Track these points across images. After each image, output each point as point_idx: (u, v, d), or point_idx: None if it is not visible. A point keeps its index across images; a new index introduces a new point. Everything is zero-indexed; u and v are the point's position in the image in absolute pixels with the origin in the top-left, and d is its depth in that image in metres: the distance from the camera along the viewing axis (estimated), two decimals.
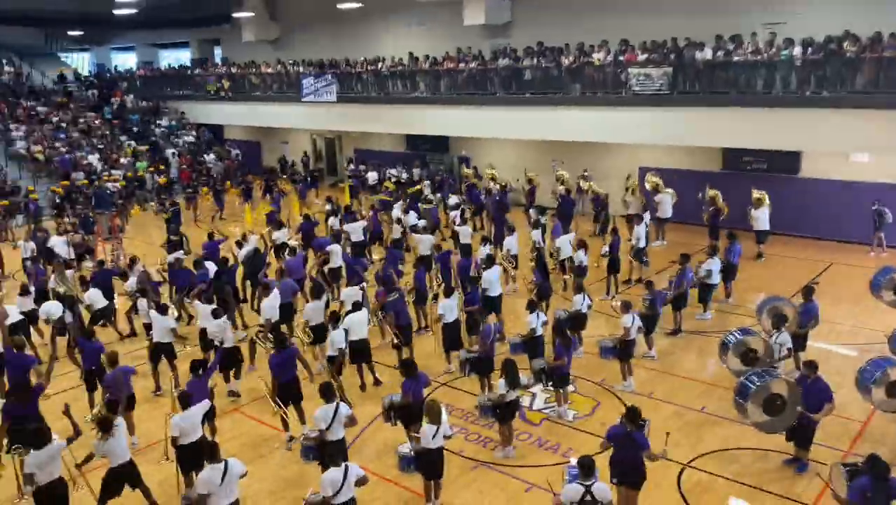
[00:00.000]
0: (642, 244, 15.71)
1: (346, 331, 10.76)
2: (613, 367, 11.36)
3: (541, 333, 11.13)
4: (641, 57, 19.24)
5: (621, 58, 19.60)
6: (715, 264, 13.41)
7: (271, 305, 11.97)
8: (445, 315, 11.54)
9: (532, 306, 11.17)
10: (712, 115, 17.82)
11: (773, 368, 9.54)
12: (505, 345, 11.66)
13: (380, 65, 25.29)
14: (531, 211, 18.40)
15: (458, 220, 17.53)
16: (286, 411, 9.67)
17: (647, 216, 17.03)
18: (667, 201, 18.41)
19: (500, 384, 9.20)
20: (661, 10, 20.11)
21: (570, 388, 10.87)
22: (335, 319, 10.92)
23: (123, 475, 8.00)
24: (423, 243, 15.69)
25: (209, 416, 9.23)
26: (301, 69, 27.54)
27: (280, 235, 16.79)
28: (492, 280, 12.81)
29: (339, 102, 25.35)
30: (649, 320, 11.88)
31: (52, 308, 12.58)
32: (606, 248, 14.87)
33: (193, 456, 8.16)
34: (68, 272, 14.59)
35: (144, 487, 8.27)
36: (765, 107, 17.09)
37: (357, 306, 11.59)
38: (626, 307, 11.01)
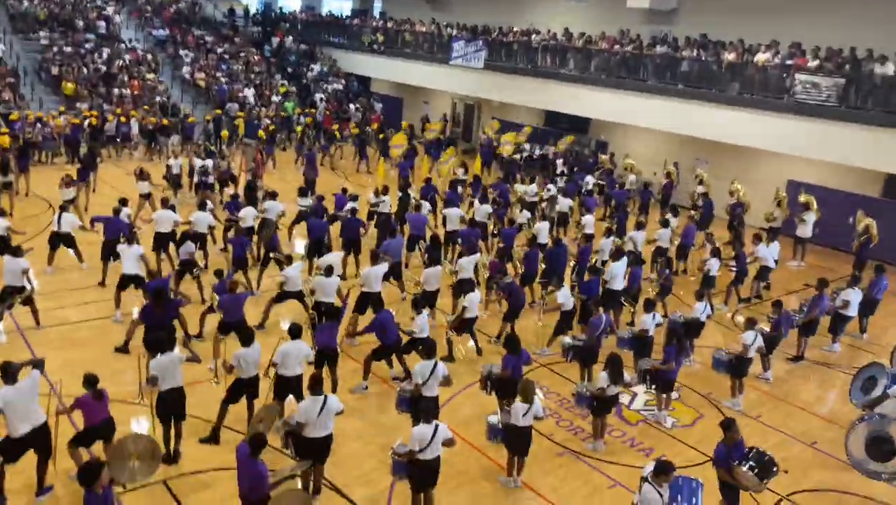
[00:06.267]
0: (772, 264, 14.78)
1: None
2: (723, 381, 10.89)
3: (653, 334, 10.81)
4: (812, 63, 17.92)
5: (789, 61, 18.35)
6: (855, 295, 12.45)
7: (371, 274, 11.60)
8: (565, 303, 11.47)
9: (649, 306, 10.87)
10: (883, 137, 16.31)
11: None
12: (612, 339, 11.40)
13: (532, 37, 24.95)
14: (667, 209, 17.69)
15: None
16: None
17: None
18: (811, 220, 17.22)
19: (601, 377, 9.03)
20: (842, 14, 18.61)
21: (674, 394, 10.54)
22: (418, 304, 10.50)
23: (247, 387, 8.70)
24: (542, 232, 15.08)
25: (330, 362, 9.68)
26: (454, 32, 27.66)
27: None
28: (617, 273, 12.50)
29: (485, 69, 25.27)
30: (771, 341, 11.25)
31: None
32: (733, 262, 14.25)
33: (288, 388, 8.83)
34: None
35: (252, 404, 8.82)
36: None
37: (470, 285, 11.88)
38: (751, 324, 10.49)
